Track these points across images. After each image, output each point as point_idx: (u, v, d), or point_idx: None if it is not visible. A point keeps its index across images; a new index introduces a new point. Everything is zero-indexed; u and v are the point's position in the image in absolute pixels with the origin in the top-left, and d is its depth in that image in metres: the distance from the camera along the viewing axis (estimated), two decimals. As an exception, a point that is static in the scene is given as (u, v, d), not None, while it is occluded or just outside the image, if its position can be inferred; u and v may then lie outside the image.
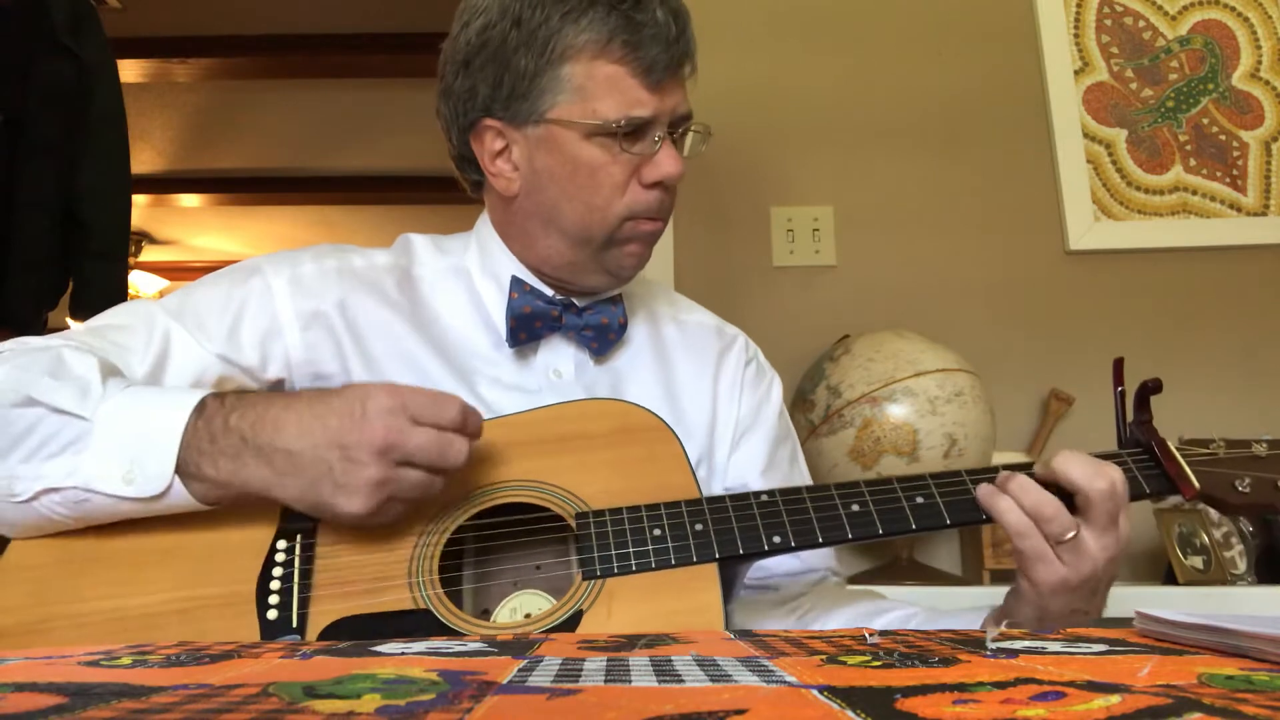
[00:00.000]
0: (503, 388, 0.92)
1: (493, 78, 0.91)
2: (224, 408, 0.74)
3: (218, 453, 0.72)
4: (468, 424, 0.73)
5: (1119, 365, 0.87)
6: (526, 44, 0.88)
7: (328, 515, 0.73)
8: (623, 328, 0.96)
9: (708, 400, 1.01)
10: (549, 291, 0.95)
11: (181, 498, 0.73)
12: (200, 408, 0.73)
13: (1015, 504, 0.75)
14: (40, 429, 0.72)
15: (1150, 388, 0.84)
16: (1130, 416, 0.85)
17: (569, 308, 0.95)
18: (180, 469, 0.72)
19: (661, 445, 0.82)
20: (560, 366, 0.95)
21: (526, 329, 0.93)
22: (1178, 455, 0.80)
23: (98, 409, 0.72)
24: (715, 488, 0.98)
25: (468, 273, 0.98)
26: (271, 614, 0.72)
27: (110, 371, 0.77)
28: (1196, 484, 0.78)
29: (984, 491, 0.78)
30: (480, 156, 0.95)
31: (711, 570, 0.74)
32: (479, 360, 0.93)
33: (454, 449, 0.72)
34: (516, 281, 0.94)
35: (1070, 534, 0.74)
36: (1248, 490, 0.78)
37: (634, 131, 0.88)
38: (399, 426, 0.70)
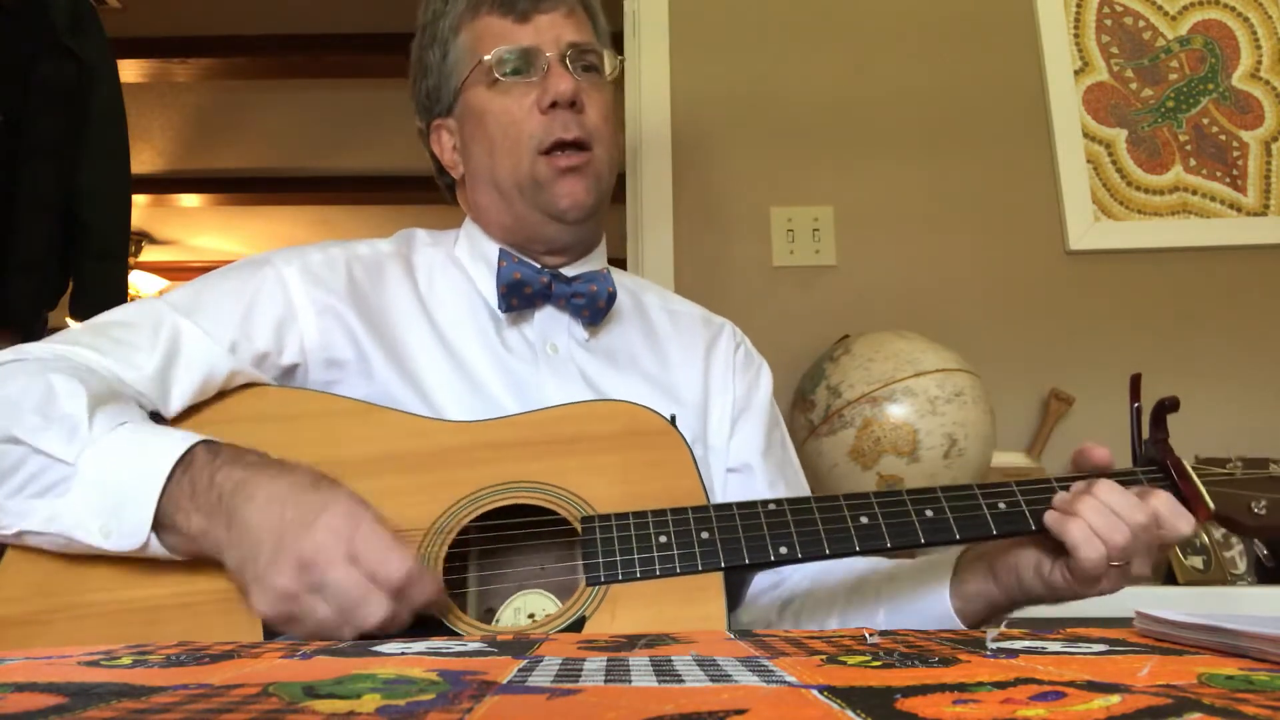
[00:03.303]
0: (498, 364, 0.93)
1: (423, 85, 1.03)
2: (214, 461, 0.71)
3: (194, 508, 0.70)
4: (409, 591, 0.66)
5: (1136, 381, 0.84)
6: (431, 41, 1.01)
7: (245, 598, 0.69)
8: (612, 297, 0.98)
9: (699, 383, 1.03)
10: (536, 264, 0.98)
11: (158, 551, 0.71)
12: (189, 459, 0.71)
13: (1086, 525, 0.74)
14: (25, 468, 0.71)
15: (1167, 405, 0.81)
16: (1146, 433, 0.83)
17: (558, 277, 0.97)
18: (157, 521, 0.70)
19: (669, 450, 0.81)
20: (555, 340, 0.97)
21: (518, 295, 0.95)
22: (1194, 476, 0.78)
23: (82, 454, 0.70)
24: (714, 466, 0.99)
25: (459, 260, 1.02)
26: None
27: (101, 401, 0.74)
28: (1212, 505, 0.76)
29: (1052, 518, 0.76)
30: (440, 158, 1.04)
31: (717, 579, 0.73)
32: (475, 339, 0.95)
33: (366, 609, 0.65)
34: (504, 253, 0.97)
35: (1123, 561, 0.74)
36: (1263, 512, 0.76)
37: (521, 69, 0.95)
38: (329, 554, 0.65)
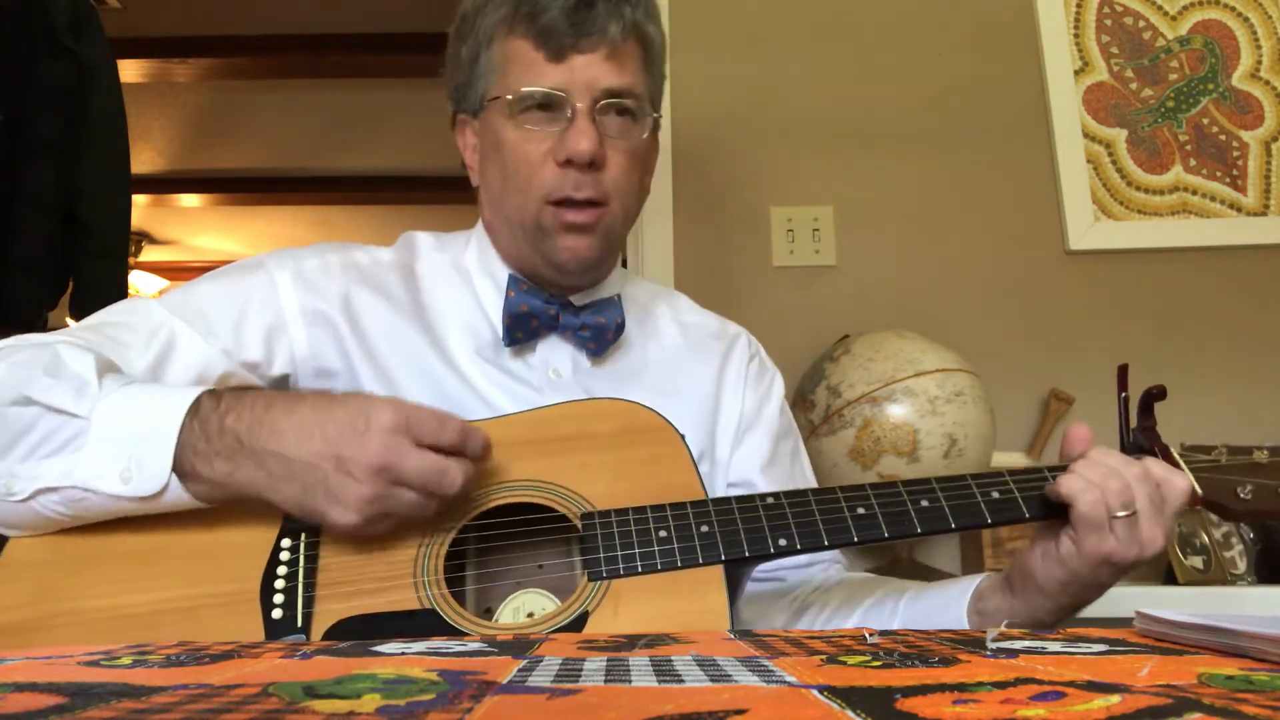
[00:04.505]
0: (502, 386, 0.92)
1: (454, 75, 0.97)
2: (219, 408, 0.73)
3: (213, 453, 0.72)
4: (467, 446, 0.73)
5: (1123, 371, 0.86)
6: (467, 35, 0.94)
7: (321, 522, 0.73)
8: (620, 327, 0.96)
9: (710, 398, 1.01)
10: (544, 293, 0.94)
11: (179, 496, 0.72)
12: (195, 407, 0.73)
13: (1081, 476, 0.75)
14: (38, 428, 0.72)
15: (1154, 394, 0.83)
16: (1134, 422, 0.85)
17: (566, 307, 0.95)
18: (177, 468, 0.71)
19: (666, 446, 0.81)
20: (559, 366, 0.94)
21: (523, 328, 0.93)
22: (1181, 462, 0.80)
23: (95, 407, 0.72)
24: (718, 482, 0.98)
25: (467, 271, 0.99)
26: (276, 613, 0.72)
27: (107, 368, 0.76)
28: (1199, 491, 0.78)
29: (1050, 487, 0.77)
30: (463, 152, 1.00)
31: (717, 572, 0.74)
32: (478, 358, 0.93)
33: (449, 476, 0.71)
34: (514, 280, 0.94)
35: (1128, 512, 0.73)
36: (1249, 497, 0.78)
37: (546, 106, 0.88)
38: (398, 447, 0.69)
